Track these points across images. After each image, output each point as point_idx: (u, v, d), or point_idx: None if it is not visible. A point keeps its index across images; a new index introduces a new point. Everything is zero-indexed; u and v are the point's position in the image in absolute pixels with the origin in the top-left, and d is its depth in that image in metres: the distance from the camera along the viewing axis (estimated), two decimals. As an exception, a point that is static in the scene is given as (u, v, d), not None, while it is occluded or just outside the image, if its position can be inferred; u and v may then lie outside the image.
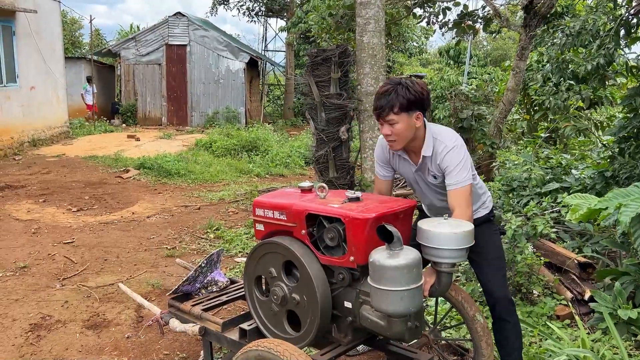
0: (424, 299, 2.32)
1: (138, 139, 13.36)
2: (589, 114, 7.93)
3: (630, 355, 3.09)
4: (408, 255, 2.05)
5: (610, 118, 8.31)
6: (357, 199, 2.36)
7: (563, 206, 4.55)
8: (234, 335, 2.64)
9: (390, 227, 2.04)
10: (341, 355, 2.42)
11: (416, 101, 2.37)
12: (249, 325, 2.59)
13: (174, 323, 2.85)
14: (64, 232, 6.12)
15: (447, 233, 2.26)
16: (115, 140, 13.31)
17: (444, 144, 2.45)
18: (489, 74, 16.67)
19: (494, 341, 2.71)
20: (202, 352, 3.03)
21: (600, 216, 2.67)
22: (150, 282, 4.61)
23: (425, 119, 2.48)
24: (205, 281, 3.17)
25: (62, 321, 3.87)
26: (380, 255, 2.07)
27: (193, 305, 2.92)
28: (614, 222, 2.61)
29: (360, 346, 3.06)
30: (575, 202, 2.52)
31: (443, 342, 3.18)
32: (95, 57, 18.53)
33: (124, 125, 17.20)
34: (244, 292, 2.70)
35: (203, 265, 3.09)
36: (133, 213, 7.07)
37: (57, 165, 10.31)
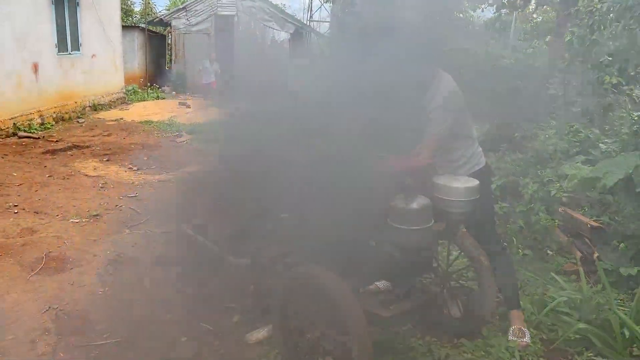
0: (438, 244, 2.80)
1: (189, 106, 14.10)
2: (627, 90, 7.97)
3: (622, 305, 3.49)
4: (420, 201, 2.55)
5: (650, 94, 8.31)
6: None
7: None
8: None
9: (407, 179, 2.55)
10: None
11: None
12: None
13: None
14: (128, 188, 6.86)
15: (460, 187, 2.77)
16: (168, 107, 14.11)
17: None
18: (533, 48, 16.47)
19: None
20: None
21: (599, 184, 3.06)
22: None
23: None
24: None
25: (134, 258, 4.56)
26: (399, 201, 2.58)
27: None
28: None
29: (382, 283, 3.55)
30: (572, 172, 2.92)
31: (453, 282, 3.63)
32: (147, 26, 19.33)
33: (174, 92, 18.00)
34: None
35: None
36: (188, 173, 7.74)
37: (116, 128, 11.16)
